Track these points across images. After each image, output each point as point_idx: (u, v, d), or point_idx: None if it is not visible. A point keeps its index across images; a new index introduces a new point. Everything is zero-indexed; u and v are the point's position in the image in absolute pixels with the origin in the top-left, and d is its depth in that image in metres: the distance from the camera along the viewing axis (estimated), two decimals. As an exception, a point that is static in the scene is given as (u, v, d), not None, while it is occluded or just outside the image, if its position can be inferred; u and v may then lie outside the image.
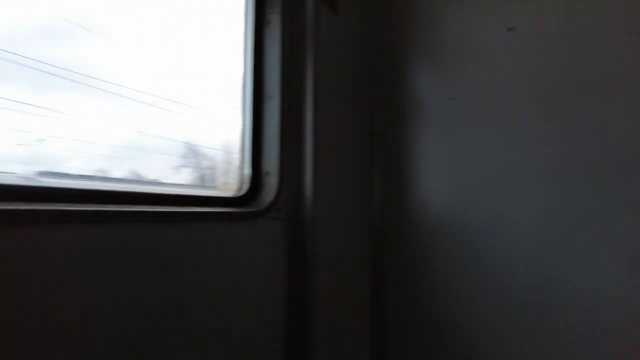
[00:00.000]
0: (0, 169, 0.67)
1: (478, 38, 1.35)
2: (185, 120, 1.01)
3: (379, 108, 1.49)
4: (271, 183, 1.03)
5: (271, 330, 1.00)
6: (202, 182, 1.11)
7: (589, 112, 1.17)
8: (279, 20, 1.07)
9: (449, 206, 1.35)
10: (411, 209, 1.41)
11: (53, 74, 0.74)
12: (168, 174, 1.00)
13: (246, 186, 1.02)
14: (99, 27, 0.81)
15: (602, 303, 1.11)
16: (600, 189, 1.13)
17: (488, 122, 1.32)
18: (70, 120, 0.78)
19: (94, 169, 0.83)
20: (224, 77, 1.06)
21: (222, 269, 0.86)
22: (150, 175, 0.96)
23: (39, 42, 0.73)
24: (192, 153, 1.06)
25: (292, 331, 1.02)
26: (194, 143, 1.05)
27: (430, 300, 1.35)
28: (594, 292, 1.13)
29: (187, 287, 0.79)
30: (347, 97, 1.36)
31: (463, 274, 1.30)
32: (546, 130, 1.22)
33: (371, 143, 1.47)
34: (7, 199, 0.59)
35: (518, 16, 1.29)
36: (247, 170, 1.03)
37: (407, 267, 1.39)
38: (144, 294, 0.71)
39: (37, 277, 0.59)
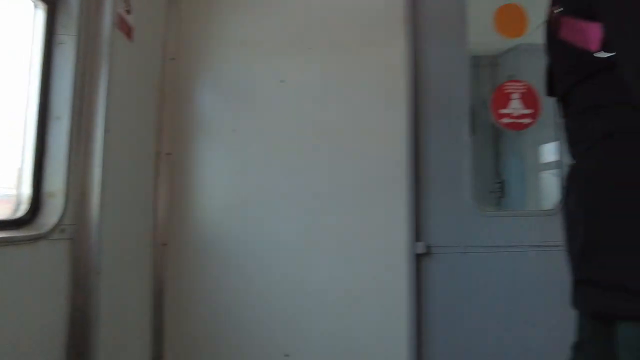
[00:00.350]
0: None
1: (258, 84, 1.63)
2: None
3: (167, 130, 1.60)
4: (55, 204, 1.03)
5: (52, 350, 1.00)
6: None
7: (332, 151, 1.59)
8: (73, 42, 1.08)
9: (228, 221, 1.59)
10: (194, 224, 1.58)
11: None
12: None
13: (25, 207, 0.99)
14: None
15: (334, 293, 1.55)
16: (336, 210, 1.57)
17: (262, 153, 1.61)
18: None
19: None
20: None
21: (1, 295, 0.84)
22: None
23: None
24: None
25: (73, 347, 1.04)
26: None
27: (205, 304, 1.55)
28: (329, 283, 1.55)
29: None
30: (138, 119, 1.44)
31: (237, 280, 1.55)
32: (304, 162, 1.59)
33: (158, 162, 1.57)
34: None
35: (287, 72, 1.63)
36: (28, 191, 1.00)
37: (190, 277, 1.55)
38: None
39: None
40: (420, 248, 1.59)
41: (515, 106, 1.74)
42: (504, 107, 1.74)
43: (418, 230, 1.61)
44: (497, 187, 2.44)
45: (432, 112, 1.67)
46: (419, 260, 1.61)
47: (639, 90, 0.70)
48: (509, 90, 1.75)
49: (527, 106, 1.73)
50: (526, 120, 1.74)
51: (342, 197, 1.58)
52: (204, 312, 1.54)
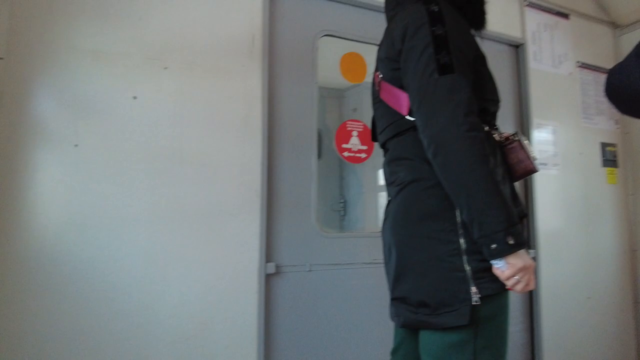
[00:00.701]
0: None
1: (107, 97, 1.53)
2: None
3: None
4: None
5: None
6: None
7: (184, 174, 1.58)
8: None
9: (64, 244, 1.43)
10: (22, 247, 1.38)
11: None
12: None
13: None
14: None
15: (184, 319, 1.53)
16: (187, 233, 1.57)
17: (107, 172, 1.49)
18: None
19: None
20: None
21: None
22: None
23: None
24: None
25: None
26: None
27: (34, 338, 1.37)
28: (178, 311, 1.53)
29: None
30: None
31: (75, 308, 1.41)
32: (155, 183, 1.54)
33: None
34: None
35: (141, 89, 1.56)
36: None
37: (13, 309, 1.35)
38: None
39: None
40: (271, 268, 1.70)
41: (355, 142, 2.01)
42: (346, 142, 2.00)
43: (269, 252, 1.72)
44: (340, 207, 2.72)
45: (284, 139, 1.82)
46: (269, 280, 1.71)
47: (430, 151, 0.93)
48: (350, 128, 2.02)
49: (363, 143, 2.02)
50: (363, 155, 2.03)
51: (194, 220, 1.58)
52: (32, 349, 1.36)
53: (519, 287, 0.92)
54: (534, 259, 2.40)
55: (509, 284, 0.92)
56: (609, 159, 2.82)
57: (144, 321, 1.49)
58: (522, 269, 0.90)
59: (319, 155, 1.93)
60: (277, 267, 1.73)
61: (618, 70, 0.99)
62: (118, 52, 1.56)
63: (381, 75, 1.10)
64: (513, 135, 1.07)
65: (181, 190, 1.58)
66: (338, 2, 1.99)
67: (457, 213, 0.95)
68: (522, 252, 0.90)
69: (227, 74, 1.70)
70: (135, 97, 1.56)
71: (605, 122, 2.84)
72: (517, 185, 2.42)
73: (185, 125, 1.61)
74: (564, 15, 2.71)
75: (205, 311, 1.57)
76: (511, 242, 0.88)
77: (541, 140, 2.52)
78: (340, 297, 1.86)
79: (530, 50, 2.55)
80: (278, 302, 1.74)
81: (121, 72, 1.55)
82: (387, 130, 1.11)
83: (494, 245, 0.88)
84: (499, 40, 2.49)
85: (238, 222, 1.65)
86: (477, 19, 1.12)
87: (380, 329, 1.86)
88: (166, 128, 1.58)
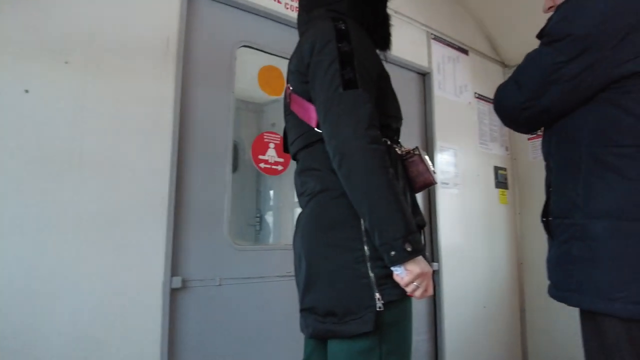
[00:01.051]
0: None
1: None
2: None
3: None
4: None
5: None
6: None
7: (81, 179, 1.43)
8: None
9: None
10: None
11: None
12: None
13: None
14: None
15: (76, 339, 1.37)
16: (80, 245, 1.41)
17: None
18: None
19: None
20: None
21: None
22: None
23: None
24: None
25: None
26: None
27: None
28: (69, 330, 1.37)
29: None
30: None
31: None
32: (45, 187, 1.37)
33: None
34: None
35: (34, 82, 1.40)
36: None
37: None
38: None
39: None
40: (176, 283, 1.61)
41: (271, 154, 2.01)
42: (263, 154, 2.00)
43: (175, 265, 1.63)
44: (256, 221, 2.69)
45: (197, 147, 1.75)
46: (174, 295, 1.61)
47: (335, 161, 0.96)
48: (267, 140, 2.02)
49: (280, 155, 2.03)
50: (279, 167, 2.03)
51: (90, 229, 1.43)
52: None
53: (417, 292, 0.96)
54: (436, 271, 2.56)
55: (408, 290, 0.96)
56: (501, 181, 3.14)
57: (25, 344, 1.30)
58: (420, 275, 0.95)
59: (235, 168, 1.89)
60: (184, 281, 1.64)
61: (500, 89, 1.17)
62: (7, 38, 1.39)
63: (292, 88, 1.12)
64: (413, 149, 1.14)
65: (77, 195, 1.43)
66: (257, 14, 2.01)
67: (362, 221, 0.98)
68: (419, 258, 0.95)
69: (137, 75, 1.60)
70: (27, 91, 1.40)
71: (498, 148, 3.18)
72: (422, 203, 2.61)
73: (85, 126, 1.48)
74: (464, 51, 3.01)
75: (101, 330, 1.43)
76: (409, 249, 0.92)
77: (443, 162, 2.74)
78: (251, 312, 1.82)
79: (436, 79, 2.78)
80: (184, 318, 1.64)
81: (10, 61, 1.38)
82: (297, 141, 1.12)
83: (393, 252, 0.92)
84: (408, 67, 2.68)
85: (141, 232, 1.54)
86: (383, 39, 1.20)
87: (292, 342, 1.85)
88: (63, 127, 1.44)
